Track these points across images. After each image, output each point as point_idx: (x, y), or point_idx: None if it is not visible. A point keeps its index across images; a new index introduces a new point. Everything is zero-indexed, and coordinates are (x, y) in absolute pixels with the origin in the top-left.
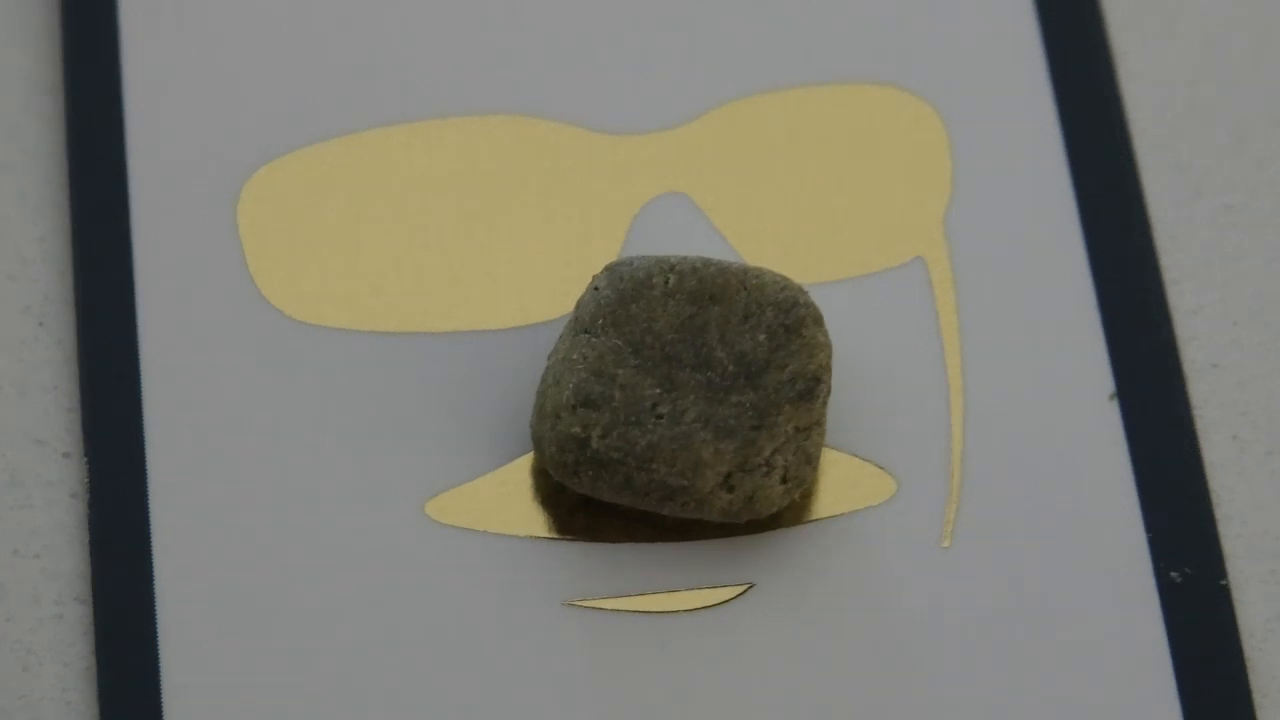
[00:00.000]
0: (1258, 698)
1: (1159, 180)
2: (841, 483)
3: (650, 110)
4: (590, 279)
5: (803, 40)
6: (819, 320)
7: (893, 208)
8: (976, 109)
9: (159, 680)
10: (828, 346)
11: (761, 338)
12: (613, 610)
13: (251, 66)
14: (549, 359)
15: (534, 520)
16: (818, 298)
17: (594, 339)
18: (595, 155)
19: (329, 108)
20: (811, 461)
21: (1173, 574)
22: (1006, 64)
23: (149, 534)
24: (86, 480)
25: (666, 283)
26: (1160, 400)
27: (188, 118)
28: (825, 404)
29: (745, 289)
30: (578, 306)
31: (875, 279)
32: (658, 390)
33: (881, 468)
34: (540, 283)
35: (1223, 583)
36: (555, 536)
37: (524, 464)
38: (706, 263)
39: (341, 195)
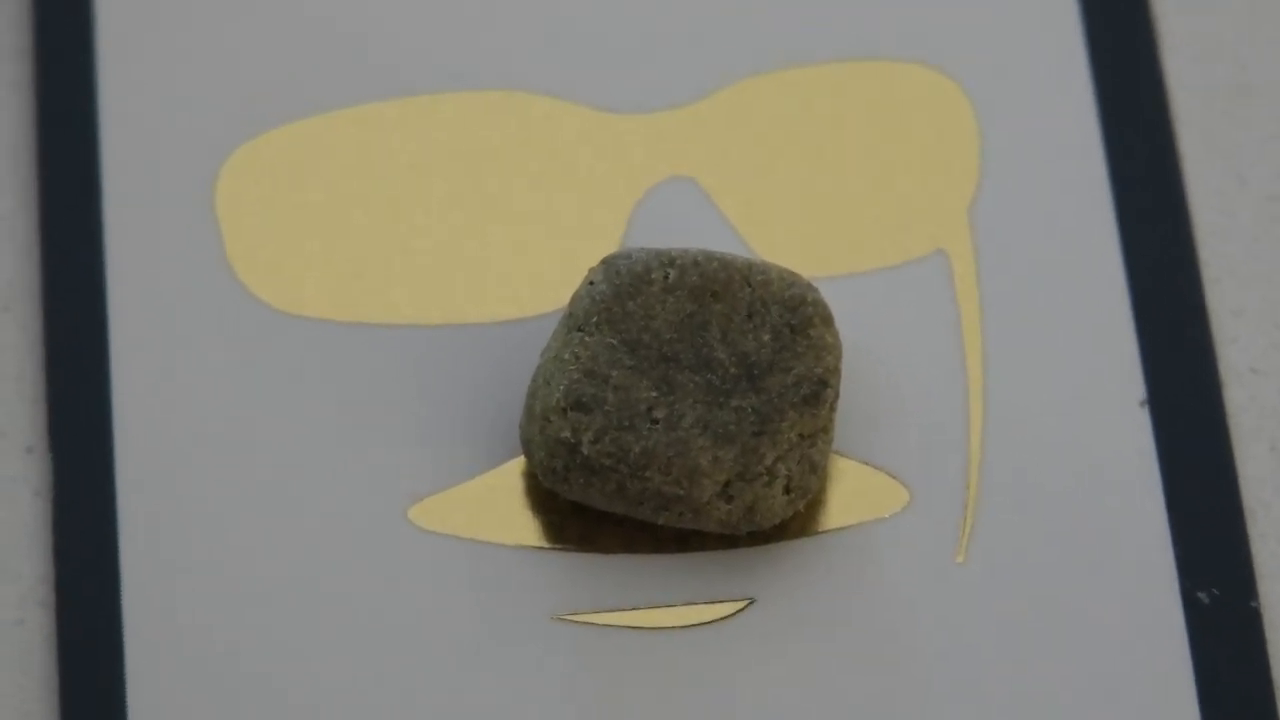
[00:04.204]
0: None
1: (1201, 168)
2: (850, 493)
3: (656, 87)
4: (587, 271)
5: (821, 13)
6: (828, 319)
7: (914, 196)
8: (1007, 89)
9: (124, 692)
10: (836, 348)
11: (766, 337)
12: (604, 625)
13: (233, 36)
14: (541, 356)
15: (523, 528)
16: (830, 293)
17: (587, 337)
18: (596, 136)
19: (314, 81)
20: (817, 470)
21: (1200, 594)
22: (1041, 41)
23: (116, 536)
24: (51, 477)
25: (666, 278)
26: (1194, 407)
27: (164, 90)
28: (833, 409)
29: (749, 285)
30: (572, 302)
31: (893, 273)
32: (654, 393)
33: (893, 476)
34: (535, 273)
35: (1254, 604)
36: (545, 546)
37: (514, 468)
38: (709, 256)
39: (326, 177)
